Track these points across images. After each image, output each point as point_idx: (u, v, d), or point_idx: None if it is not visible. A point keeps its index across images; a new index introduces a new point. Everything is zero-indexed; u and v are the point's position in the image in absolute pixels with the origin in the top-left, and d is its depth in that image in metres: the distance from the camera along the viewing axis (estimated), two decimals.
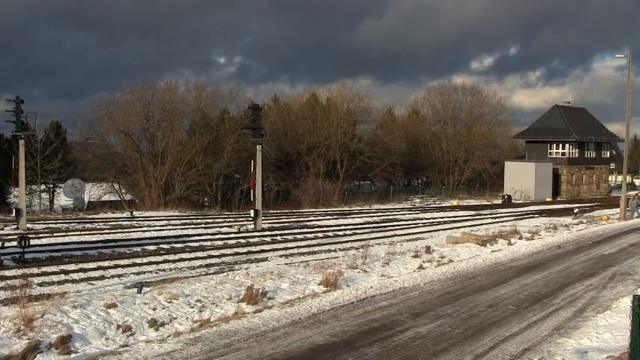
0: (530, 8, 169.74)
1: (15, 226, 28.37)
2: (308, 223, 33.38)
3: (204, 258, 20.02)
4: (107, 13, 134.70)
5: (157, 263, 18.80)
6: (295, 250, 22.33)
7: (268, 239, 25.14)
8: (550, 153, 69.34)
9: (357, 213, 42.19)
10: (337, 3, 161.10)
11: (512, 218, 39.11)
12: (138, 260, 19.33)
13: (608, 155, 78.44)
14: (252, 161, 31.17)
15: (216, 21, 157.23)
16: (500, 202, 57.35)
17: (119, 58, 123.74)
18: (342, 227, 31.05)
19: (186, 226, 30.28)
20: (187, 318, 12.10)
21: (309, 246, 23.57)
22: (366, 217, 39.13)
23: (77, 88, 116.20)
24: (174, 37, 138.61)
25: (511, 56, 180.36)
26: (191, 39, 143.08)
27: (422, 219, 37.65)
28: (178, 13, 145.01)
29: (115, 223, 31.30)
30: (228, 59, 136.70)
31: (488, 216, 41.17)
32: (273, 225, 31.77)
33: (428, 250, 21.21)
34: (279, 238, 25.69)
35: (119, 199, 50.18)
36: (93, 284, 15.58)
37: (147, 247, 21.96)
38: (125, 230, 28.06)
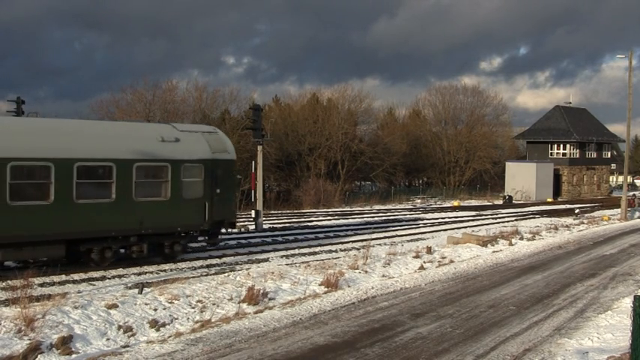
0: (542, 9, 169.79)
1: None
2: (309, 224, 33.37)
3: (205, 258, 20.02)
4: (117, 14, 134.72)
5: (158, 263, 18.80)
6: (296, 251, 22.32)
7: (269, 239, 25.12)
8: (551, 153, 69.37)
9: (357, 213, 42.19)
10: (347, 4, 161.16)
11: (513, 219, 39.09)
12: (139, 260, 19.32)
13: (609, 156, 78.43)
14: (253, 162, 31.21)
15: (226, 21, 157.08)
16: (501, 202, 57.31)
17: (128, 58, 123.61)
18: (343, 227, 31.05)
19: None
20: (188, 318, 12.11)
21: (310, 246, 23.57)
22: (367, 217, 39.12)
23: (84, 88, 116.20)
24: (184, 38, 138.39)
25: (520, 57, 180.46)
26: (201, 39, 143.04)
27: (423, 219, 37.65)
28: (189, 13, 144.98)
29: None
30: (237, 59, 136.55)
31: (489, 216, 41.15)
32: (274, 225, 31.78)
33: (429, 250, 21.21)
34: (280, 238, 25.68)
35: None
36: (94, 284, 15.58)
37: None
38: None
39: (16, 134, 16.24)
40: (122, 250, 18.56)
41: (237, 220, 23.97)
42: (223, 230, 20.77)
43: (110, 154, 17.41)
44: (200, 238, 20.76)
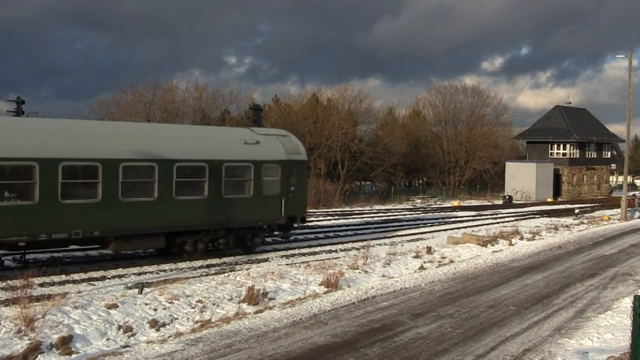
0: (544, 9, 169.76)
1: None
2: (309, 224, 33.34)
3: (205, 258, 20.02)
4: (119, 14, 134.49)
5: (158, 263, 18.80)
6: (296, 251, 22.32)
7: (269, 239, 25.11)
8: (551, 153, 69.34)
9: (357, 213, 42.17)
10: (349, 3, 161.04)
11: (513, 219, 39.08)
12: (139, 260, 19.34)
13: (609, 156, 78.40)
14: None
15: (228, 21, 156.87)
16: (501, 202, 57.28)
17: (130, 58, 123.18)
18: (343, 227, 31.03)
19: None
20: (188, 318, 12.11)
21: (310, 246, 23.55)
22: (367, 217, 39.11)
23: (86, 88, 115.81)
24: (185, 38, 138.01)
25: (522, 57, 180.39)
26: (203, 39, 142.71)
27: (423, 219, 37.64)
28: (191, 13, 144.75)
29: None
30: (239, 60, 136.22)
31: (489, 216, 41.14)
32: None
33: (429, 250, 21.21)
34: (279, 238, 25.67)
35: None
36: (94, 284, 15.57)
37: None
38: None
39: (126, 139, 18.25)
40: (209, 243, 20.22)
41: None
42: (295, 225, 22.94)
43: (204, 155, 19.45)
44: (275, 232, 22.81)
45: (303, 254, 21.64)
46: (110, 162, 17.03)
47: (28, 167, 15.67)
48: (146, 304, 12.26)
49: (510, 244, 24.85)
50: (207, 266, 18.78)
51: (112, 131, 18.69)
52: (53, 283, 15.43)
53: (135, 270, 17.67)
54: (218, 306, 12.85)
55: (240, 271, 16.17)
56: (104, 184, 16.93)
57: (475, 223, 35.80)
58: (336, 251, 22.46)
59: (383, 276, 17.20)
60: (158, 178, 18.08)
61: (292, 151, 22.22)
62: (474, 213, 43.73)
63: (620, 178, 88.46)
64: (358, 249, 22.13)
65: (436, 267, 19.00)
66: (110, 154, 17.15)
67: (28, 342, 9.81)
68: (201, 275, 16.76)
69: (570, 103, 77.38)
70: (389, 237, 27.29)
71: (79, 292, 13.92)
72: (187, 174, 19.08)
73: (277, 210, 21.31)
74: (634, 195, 55.63)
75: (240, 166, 20.40)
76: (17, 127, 16.65)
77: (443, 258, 20.47)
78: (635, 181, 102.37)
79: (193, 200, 19.12)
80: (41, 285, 14.90)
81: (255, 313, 12.53)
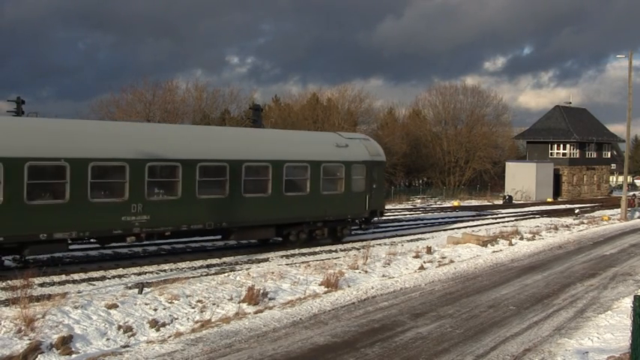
0: (547, 9, 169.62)
1: None
2: None
3: (205, 258, 20.01)
4: (122, 14, 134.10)
5: (158, 264, 18.80)
6: (296, 251, 22.30)
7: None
8: (551, 153, 69.35)
9: None
10: (352, 3, 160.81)
11: (513, 218, 39.07)
12: (139, 260, 19.34)
13: (609, 156, 78.40)
14: None
15: (230, 21, 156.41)
16: (501, 202, 57.28)
17: (132, 58, 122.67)
18: None
19: None
20: (188, 318, 12.11)
21: (309, 246, 23.55)
22: None
23: (87, 88, 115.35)
24: (188, 38, 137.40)
25: (524, 57, 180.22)
26: (205, 39, 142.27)
27: (423, 219, 37.63)
28: (193, 13, 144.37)
29: None
30: (241, 59, 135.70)
31: (489, 216, 41.13)
32: None
33: (429, 250, 21.20)
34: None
35: None
36: (94, 284, 15.57)
37: (148, 248, 21.95)
38: None
39: (248, 143, 21.40)
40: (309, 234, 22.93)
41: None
42: (375, 219, 25.89)
43: (306, 156, 22.52)
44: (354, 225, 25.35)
45: (303, 254, 21.63)
46: (236, 162, 20.02)
47: (174, 167, 18.69)
48: (146, 304, 12.26)
49: (510, 244, 24.85)
50: (207, 266, 18.78)
51: (238, 135, 22.52)
52: (53, 283, 15.43)
53: (135, 270, 17.67)
54: (218, 306, 12.85)
55: (240, 271, 16.16)
56: (231, 182, 19.84)
57: (475, 223, 35.79)
58: (336, 251, 22.45)
59: (383, 276, 17.19)
60: (272, 176, 21.06)
61: (374, 153, 25.03)
62: (473, 213, 43.70)
63: (620, 178, 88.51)
64: (358, 249, 22.13)
65: (436, 267, 19.00)
66: (236, 155, 20.18)
67: (28, 342, 9.80)
68: (201, 275, 16.76)
69: (570, 103, 77.40)
70: (389, 237, 27.28)
71: (79, 292, 13.92)
72: (293, 173, 22.05)
73: (362, 205, 24.22)
74: (634, 195, 55.63)
75: (334, 166, 23.41)
76: (164, 134, 19.94)
77: (443, 258, 20.46)
78: (635, 181, 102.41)
79: (298, 196, 22.08)
80: (41, 285, 14.90)
81: (255, 313, 12.53)
